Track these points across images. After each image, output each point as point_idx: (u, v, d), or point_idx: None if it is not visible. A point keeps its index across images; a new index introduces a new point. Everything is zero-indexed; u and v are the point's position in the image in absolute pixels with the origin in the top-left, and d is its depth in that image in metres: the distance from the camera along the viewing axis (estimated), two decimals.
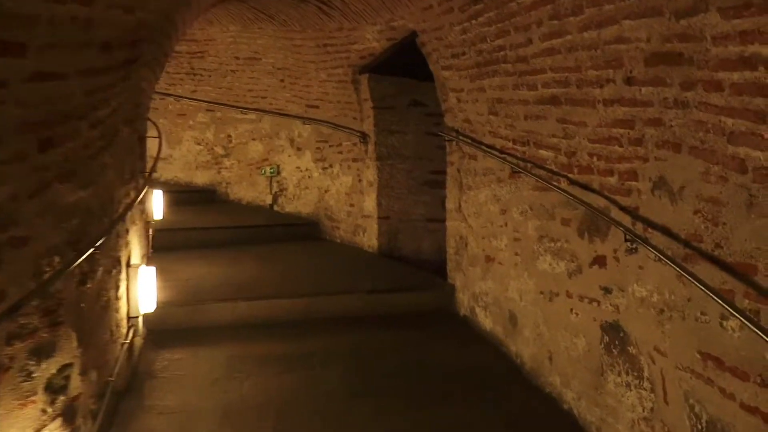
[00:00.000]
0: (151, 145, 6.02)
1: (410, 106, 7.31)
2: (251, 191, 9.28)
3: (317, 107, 8.26)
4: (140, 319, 4.65)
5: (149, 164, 5.65)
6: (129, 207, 4.09)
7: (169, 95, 9.68)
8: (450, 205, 5.96)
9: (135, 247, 4.48)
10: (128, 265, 4.19)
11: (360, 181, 7.63)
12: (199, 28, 8.84)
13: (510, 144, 4.60)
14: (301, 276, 6.34)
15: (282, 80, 8.66)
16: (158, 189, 6.52)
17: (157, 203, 6.34)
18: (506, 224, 4.78)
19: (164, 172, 9.82)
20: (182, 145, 9.80)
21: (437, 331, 5.42)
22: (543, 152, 4.15)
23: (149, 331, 5.13)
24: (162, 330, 5.19)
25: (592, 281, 3.65)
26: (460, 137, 5.49)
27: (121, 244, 3.95)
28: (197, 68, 9.39)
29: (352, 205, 7.82)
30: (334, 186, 8.13)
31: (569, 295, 3.91)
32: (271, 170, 8.98)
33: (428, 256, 7.31)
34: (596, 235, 3.62)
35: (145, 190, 5.81)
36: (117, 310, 3.86)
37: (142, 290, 4.26)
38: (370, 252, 7.43)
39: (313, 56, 7.85)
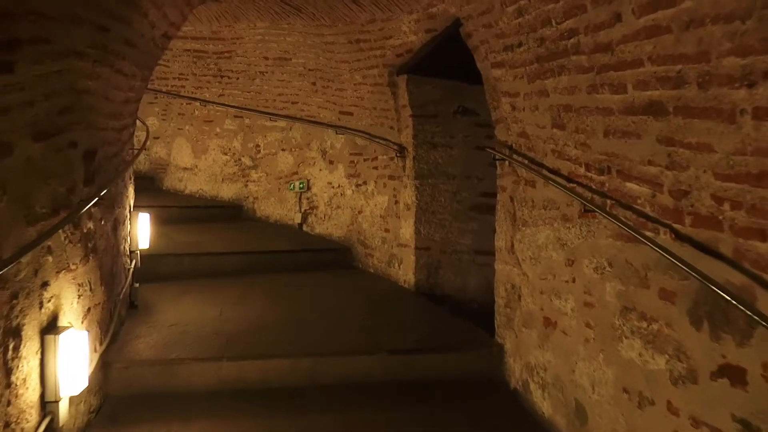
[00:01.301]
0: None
1: (457, 115, 5.94)
2: (279, 208, 8.07)
3: (351, 114, 6.98)
4: None
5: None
6: (45, 251, 2.89)
7: (195, 99, 8.59)
8: (500, 242, 4.57)
9: (69, 300, 3.28)
10: (45, 331, 2.99)
11: (396, 202, 6.30)
12: (225, 25, 7.73)
13: (581, 170, 3.20)
14: (314, 322, 5.03)
15: (314, 83, 7.42)
16: (145, 212, 5.33)
17: (143, 229, 5.15)
18: (574, 280, 3.36)
19: (189, 183, 8.75)
20: (208, 155, 8.68)
21: (480, 410, 4.01)
22: (632, 186, 2.73)
23: (107, 398, 3.94)
24: (125, 397, 3.97)
25: (718, 402, 2.22)
26: (515, 156, 4.11)
27: (21, 305, 2.74)
28: (225, 69, 8.25)
29: (387, 231, 6.49)
30: (369, 206, 6.83)
31: (673, 411, 2.48)
32: (301, 185, 7.75)
33: (474, 296, 5.92)
34: (725, 330, 2.19)
35: (126, 216, 4.67)
36: (9, 404, 2.66)
37: (63, 367, 3.03)
38: (405, 288, 6.09)
39: (345, 55, 6.58)
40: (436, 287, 5.96)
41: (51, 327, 3.04)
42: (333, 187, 7.40)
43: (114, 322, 4.18)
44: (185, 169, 8.86)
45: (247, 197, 8.38)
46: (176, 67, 8.61)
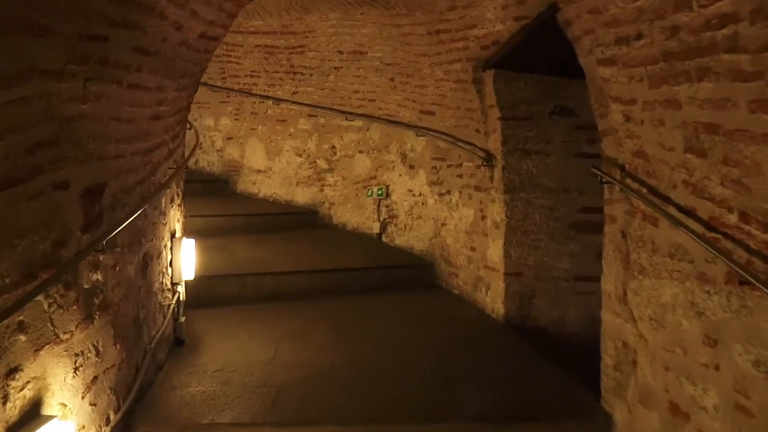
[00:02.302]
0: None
1: (554, 116, 4.97)
2: (357, 215, 7.33)
3: (433, 114, 6.11)
4: None
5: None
6: None
7: (268, 98, 7.96)
8: (609, 286, 3.62)
9: (59, 377, 2.64)
10: (17, 428, 2.35)
11: (483, 218, 5.40)
12: (296, 17, 7.04)
13: (732, 219, 2.23)
14: (381, 369, 4.21)
15: (392, 79, 6.60)
16: (191, 238, 4.68)
17: (188, 257, 4.51)
18: (717, 367, 2.40)
19: (263, 187, 8.16)
20: (282, 157, 8.04)
21: None
22: None
23: None
24: None
25: None
26: (628, 180, 3.14)
27: None
28: (297, 66, 7.56)
29: (473, 249, 5.61)
30: (453, 219, 5.96)
31: None
32: (379, 191, 6.97)
33: (574, 328, 4.98)
34: None
35: (163, 247, 4.06)
36: None
37: None
38: (493, 319, 5.20)
39: (425, 47, 5.71)
40: (529, 319, 5.04)
41: (29, 418, 2.40)
42: (414, 195, 6.57)
43: (141, 377, 3.55)
44: (259, 171, 8.27)
45: (323, 202, 7.69)
46: (248, 64, 8.01)
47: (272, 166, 8.13)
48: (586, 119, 4.80)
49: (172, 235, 4.31)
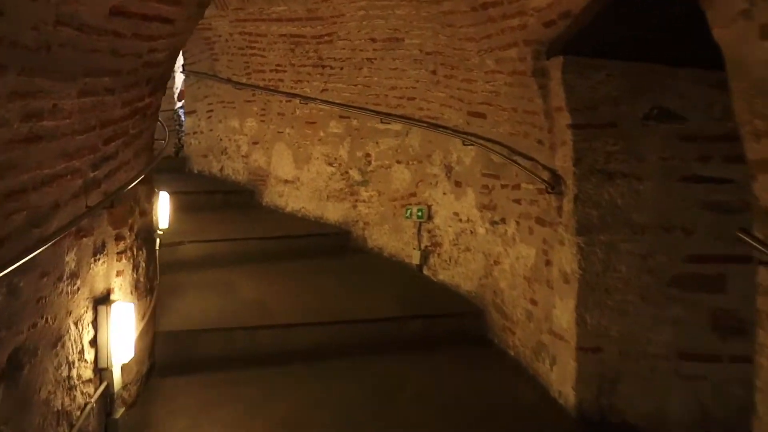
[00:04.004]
0: None
1: (650, 121, 3.39)
2: (395, 239, 5.90)
3: (483, 116, 4.61)
4: None
5: None
6: None
7: (295, 96, 6.63)
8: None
9: None
10: None
11: (548, 263, 3.86)
12: (322, 0, 5.66)
13: None
14: None
15: (433, 71, 5.12)
16: (128, 303, 3.34)
17: (119, 331, 3.16)
18: None
19: (290, 200, 6.86)
20: (311, 165, 6.69)
21: None
22: None
23: None
24: None
25: None
26: None
27: None
28: (326, 57, 6.18)
29: (534, 303, 4.09)
30: (508, 258, 4.44)
31: None
32: (419, 213, 5.51)
33: (677, 428, 3.41)
34: None
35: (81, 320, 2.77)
36: None
37: None
38: (560, 407, 3.66)
39: (470, 29, 4.21)
40: (612, 412, 3.49)
41: None
42: (460, 220, 5.08)
43: None
44: (286, 181, 6.95)
45: (356, 221, 6.29)
46: (272, 57, 6.70)
47: (300, 175, 6.80)
48: (698, 126, 3.30)
49: (99, 301, 3.00)
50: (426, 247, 5.50)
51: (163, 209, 4.67)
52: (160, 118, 4.60)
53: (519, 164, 4.09)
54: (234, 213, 6.79)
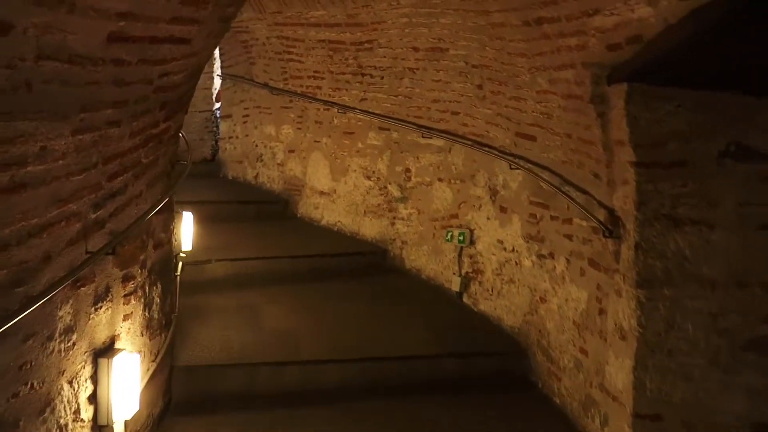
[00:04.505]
0: None
1: (726, 160, 2.95)
2: (434, 262, 5.52)
3: (533, 139, 4.19)
4: None
5: None
6: None
7: (333, 104, 6.29)
8: None
9: None
10: None
11: (602, 312, 3.44)
12: (362, 5, 5.32)
13: None
14: None
15: (479, 86, 4.72)
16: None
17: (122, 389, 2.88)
18: None
19: (326, 212, 6.55)
20: (348, 178, 6.35)
21: None
22: None
23: None
24: None
25: None
26: None
27: None
28: (366, 66, 5.83)
29: (584, 352, 3.67)
30: (556, 296, 4.02)
31: None
32: (461, 237, 5.11)
33: None
34: None
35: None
36: None
37: None
38: None
39: (521, 44, 3.80)
40: None
41: None
42: (505, 248, 4.67)
43: None
44: (322, 193, 6.63)
45: (394, 240, 5.93)
46: (310, 63, 6.37)
47: (337, 188, 6.47)
48: None
49: (100, 353, 2.71)
50: (467, 273, 5.11)
51: (186, 230, 4.39)
52: (183, 133, 4.33)
53: (571, 197, 3.67)
54: (267, 225, 6.51)
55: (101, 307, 2.72)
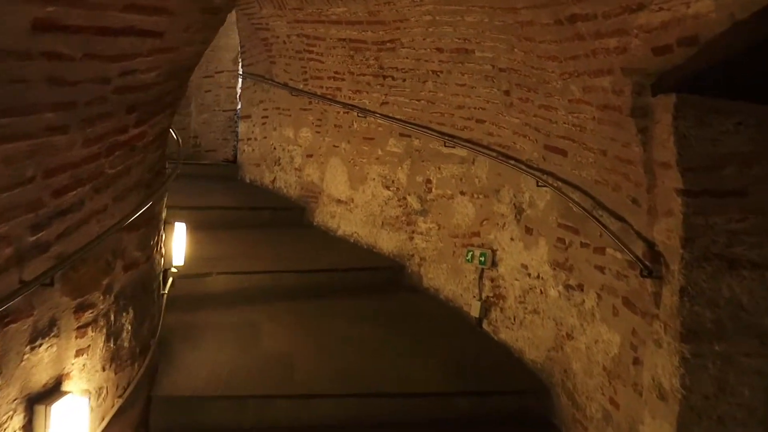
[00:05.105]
0: None
1: None
2: (453, 282, 5.02)
3: (563, 153, 3.66)
4: None
5: None
6: None
7: (353, 107, 5.84)
8: None
9: None
10: None
11: (637, 361, 2.90)
12: (384, 2, 4.87)
13: None
14: None
15: (506, 92, 4.20)
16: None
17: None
18: None
19: (342, 222, 6.09)
20: (367, 186, 5.89)
21: None
22: None
23: None
24: None
25: None
26: None
27: None
28: (387, 67, 5.36)
29: (615, 405, 3.13)
30: (585, 334, 3.49)
31: None
32: (482, 258, 4.60)
33: None
34: None
35: None
36: None
37: None
38: None
39: (553, 45, 3.28)
40: None
41: None
42: (529, 274, 4.14)
43: None
44: (339, 201, 6.18)
45: (412, 255, 5.44)
46: (331, 63, 5.93)
47: (355, 196, 6.01)
48: None
49: (37, 399, 2.29)
50: (487, 297, 4.60)
51: (178, 243, 3.98)
52: (173, 130, 3.94)
53: (603, 224, 3.14)
54: (280, 233, 6.08)
55: (41, 344, 2.30)
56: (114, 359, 2.88)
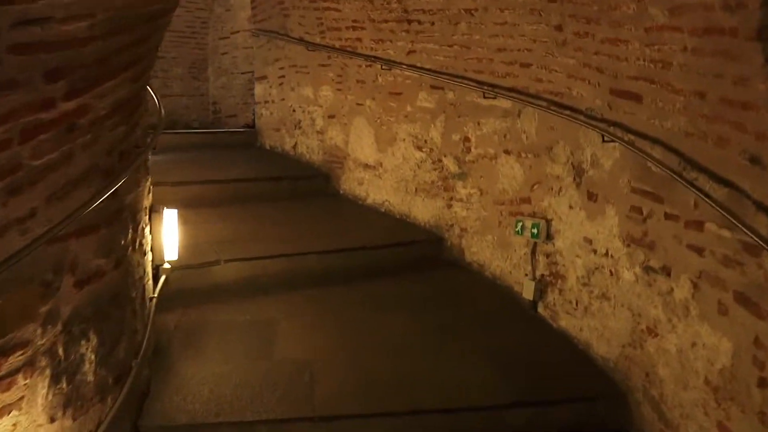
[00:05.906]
0: None
1: None
2: (501, 257, 4.24)
3: (638, 98, 2.81)
4: None
5: None
6: None
7: (376, 59, 5.03)
8: None
9: None
10: None
11: (763, 382, 2.12)
12: None
13: None
14: None
15: (558, 27, 3.33)
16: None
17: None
18: None
19: (371, 189, 5.36)
20: (396, 148, 5.10)
21: None
22: None
23: None
24: None
25: None
26: None
27: None
28: (412, 10, 4.50)
29: (724, 430, 2.36)
30: (675, 332, 2.68)
31: None
32: (534, 229, 3.81)
33: None
34: None
35: None
36: None
37: None
38: None
39: None
40: None
41: None
42: (595, 251, 3.33)
43: None
44: (366, 166, 5.42)
45: (452, 226, 4.67)
46: (348, 11, 5.10)
47: (383, 160, 5.23)
48: None
49: None
50: (542, 276, 3.81)
51: (169, 234, 3.30)
52: (154, 93, 3.24)
53: (700, 190, 2.31)
54: (303, 205, 5.37)
55: None
56: (70, 403, 2.21)
